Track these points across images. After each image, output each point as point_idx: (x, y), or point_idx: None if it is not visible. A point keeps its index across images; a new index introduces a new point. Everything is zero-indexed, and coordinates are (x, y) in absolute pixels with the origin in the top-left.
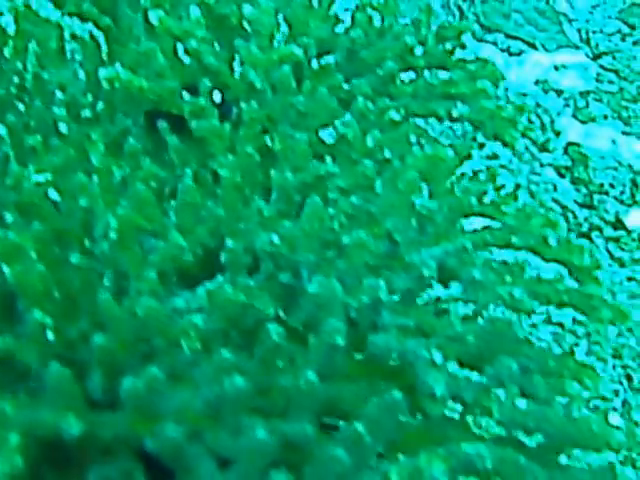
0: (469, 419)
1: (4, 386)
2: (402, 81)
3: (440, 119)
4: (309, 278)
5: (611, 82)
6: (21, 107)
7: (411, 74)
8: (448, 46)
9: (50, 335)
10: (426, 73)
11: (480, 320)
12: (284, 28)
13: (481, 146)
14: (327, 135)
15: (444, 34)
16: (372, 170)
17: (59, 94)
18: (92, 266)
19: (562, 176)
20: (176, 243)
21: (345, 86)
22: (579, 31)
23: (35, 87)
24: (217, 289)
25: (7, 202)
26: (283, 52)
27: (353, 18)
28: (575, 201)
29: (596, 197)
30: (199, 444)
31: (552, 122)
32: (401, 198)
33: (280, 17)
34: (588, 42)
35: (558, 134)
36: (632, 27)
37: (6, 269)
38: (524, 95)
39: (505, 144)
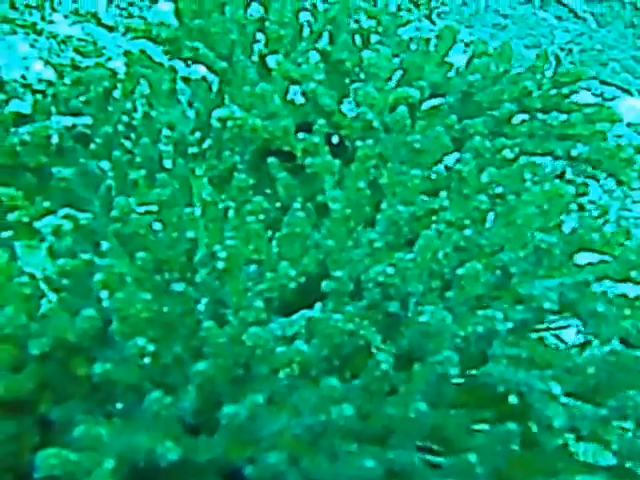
0: (580, 450)
1: (98, 409)
2: (516, 122)
3: (557, 158)
4: (416, 307)
5: None
6: (127, 144)
7: (524, 116)
8: (564, 90)
9: (147, 360)
10: (540, 115)
11: (600, 352)
12: (399, 71)
13: (569, 182)
14: (439, 171)
15: (561, 79)
16: (486, 204)
17: (167, 132)
18: (192, 294)
19: None
20: (285, 274)
21: (457, 126)
22: None
23: (144, 125)
24: (324, 317)
25: (109, 232)
26: (400, 94)
27: (470, 64)
28: None
29: None
30: (295, 470)
31: None
32: (517, 231)
33: (397, 60)
34: None
35: None
36: None
37: (107, 297)
38: (618, 137)
39: (620, 182)
